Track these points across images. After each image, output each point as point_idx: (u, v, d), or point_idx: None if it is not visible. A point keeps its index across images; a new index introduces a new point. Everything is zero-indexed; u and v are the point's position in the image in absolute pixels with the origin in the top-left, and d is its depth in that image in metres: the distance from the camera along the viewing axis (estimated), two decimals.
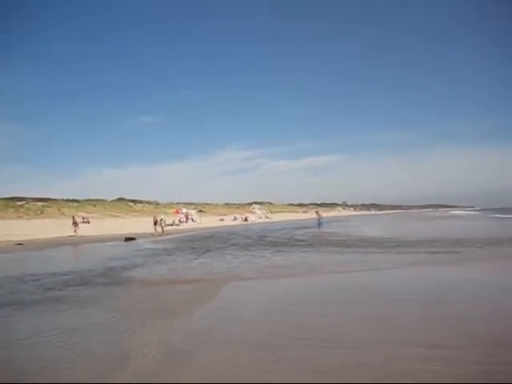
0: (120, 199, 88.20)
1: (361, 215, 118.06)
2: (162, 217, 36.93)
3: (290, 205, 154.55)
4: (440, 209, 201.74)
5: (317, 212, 38.60)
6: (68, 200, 72.50)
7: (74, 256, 20.50)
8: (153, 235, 31.88)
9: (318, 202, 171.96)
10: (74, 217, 33.26)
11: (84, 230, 34.21)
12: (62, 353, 5.50)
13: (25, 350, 5.60)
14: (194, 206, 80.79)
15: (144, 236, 30.76)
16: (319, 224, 33.74)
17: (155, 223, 34.08)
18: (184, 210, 63.08)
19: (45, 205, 61.10)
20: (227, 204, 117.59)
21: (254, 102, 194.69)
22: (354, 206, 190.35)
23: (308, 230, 34.30)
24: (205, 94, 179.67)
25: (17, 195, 64.83)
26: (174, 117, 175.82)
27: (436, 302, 7.93)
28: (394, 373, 4.39)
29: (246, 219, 68.34)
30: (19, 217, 49.93)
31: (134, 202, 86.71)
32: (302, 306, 7.93)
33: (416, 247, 17.73)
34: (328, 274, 11.57)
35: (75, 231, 30.13)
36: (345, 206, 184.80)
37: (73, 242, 26.62)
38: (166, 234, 32.85)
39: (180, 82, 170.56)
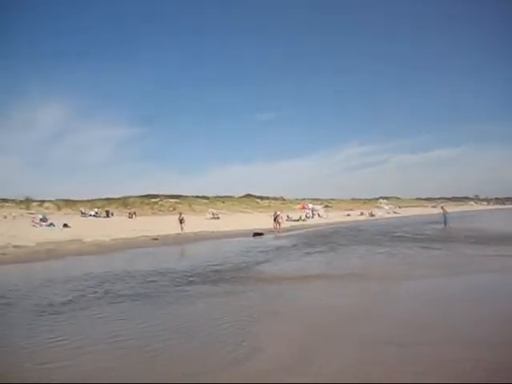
0: (247, 195, 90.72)
1: (495, 209, 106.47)
2: (278, 213, 36.28)
3: (417, 199, 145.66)
4: None
5: (442, 207, 37.89)
6: (198, 197, 76.03)
7: (204, 251, 20.86)
8: (271, 231, 31.87)
9: (448, 196, 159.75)
10: (180, 214, 34.31)
11: (215, 226, 35.67)
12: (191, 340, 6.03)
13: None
14: (320, 202, 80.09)
15: (269, 231, 31.15)
16: (445, 219, 33.14)
17: (275, 219, 34.02)
18: (310, 206, 62.76)
19: (177, 201, 64.89)
20: (353, 199, 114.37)
21: (378, 98, 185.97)
22: (487, 200, 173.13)
23: (438, 226, 33.41)
24: (327, 90, 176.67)
25: (151, 193, 69.82)
26: (299, 113, 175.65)
27: None
28: None
29: (372, 214, 66.36)
30: (154, 213, 53.94)
31: (261, 197, 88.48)
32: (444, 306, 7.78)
33: None
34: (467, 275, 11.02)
35: (182, 228, 31.13)
36: (477, 200, 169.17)
37: (205, 238, 27.70)
38: (288, 230, 32.51)
39: (304, 79, 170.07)
